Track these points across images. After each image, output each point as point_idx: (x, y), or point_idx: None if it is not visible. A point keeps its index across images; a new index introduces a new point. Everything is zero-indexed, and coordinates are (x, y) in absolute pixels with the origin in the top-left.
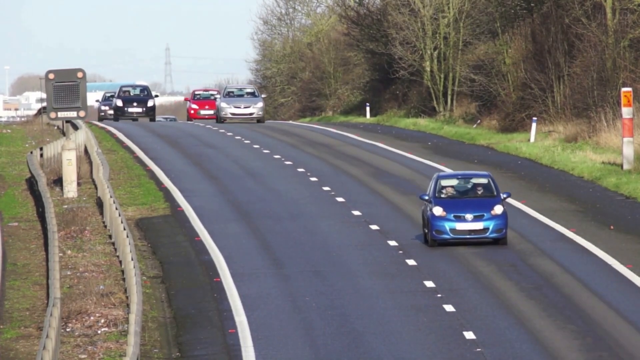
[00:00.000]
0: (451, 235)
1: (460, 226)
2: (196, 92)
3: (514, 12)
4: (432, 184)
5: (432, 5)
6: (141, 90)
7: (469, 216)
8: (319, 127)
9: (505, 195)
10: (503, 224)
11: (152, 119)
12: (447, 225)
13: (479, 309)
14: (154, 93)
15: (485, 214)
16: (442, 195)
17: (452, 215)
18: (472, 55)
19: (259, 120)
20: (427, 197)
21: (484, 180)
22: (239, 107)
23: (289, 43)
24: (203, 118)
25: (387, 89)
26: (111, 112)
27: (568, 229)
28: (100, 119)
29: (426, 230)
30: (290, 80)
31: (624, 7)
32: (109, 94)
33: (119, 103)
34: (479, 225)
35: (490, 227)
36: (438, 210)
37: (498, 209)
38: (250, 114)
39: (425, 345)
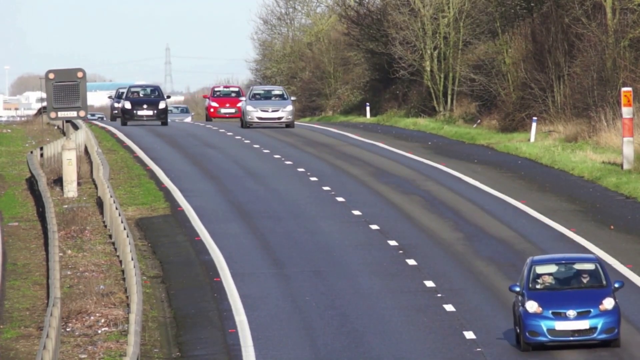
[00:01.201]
0: (549, 337)
1: (560, 325)
2: (216, 89)
3: (514, 12)
4: (524, 272)
5: (432, 5)
6: (152, 91)
7: (571, 313)
8: (319, 127)
9: (617, 285)
10: (615, 322)
11: (164, 123)
12: (544, 325)
13: (479, 309)
14: (165, 94)
15: (592, 310)
16: (538, 286)
17: (550, 311)
18: (472, 55)
19: (288, 125)
20: (518, 289)
21: (590, 266)
22: (267, 111)
23: (289, 43)
24: (224, 117)
25: (387, 89)
26: None
27: (568, 229)
28: (113, 118)
29: (518, 330)
30: (290, 80)
31: (624, 6)
32: (122, 90)
33: (128, 105)
34: (584, 324)
35: (599, 326)
36: (532, 306)
37: (608, 304)
38: (279, 118)
39: (425, 345)
